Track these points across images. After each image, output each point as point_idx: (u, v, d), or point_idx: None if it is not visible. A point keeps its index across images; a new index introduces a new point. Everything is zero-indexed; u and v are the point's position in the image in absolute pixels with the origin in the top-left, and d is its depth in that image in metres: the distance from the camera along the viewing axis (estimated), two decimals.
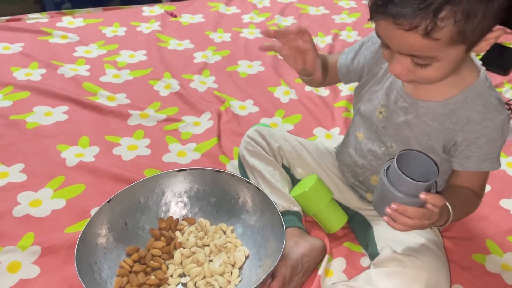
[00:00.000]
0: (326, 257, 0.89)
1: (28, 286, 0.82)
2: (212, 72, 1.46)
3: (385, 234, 0.83)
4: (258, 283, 0.73)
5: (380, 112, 0.81)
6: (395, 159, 0.66)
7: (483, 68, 0.74)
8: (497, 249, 0.94)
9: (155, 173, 0.95)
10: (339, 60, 0.88)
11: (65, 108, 1.24)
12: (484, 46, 0.64)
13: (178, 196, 0.92)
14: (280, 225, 0.81)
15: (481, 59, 1.49)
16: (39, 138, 1.14)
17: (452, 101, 0.72)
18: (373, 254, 0.82)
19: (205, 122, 1.25)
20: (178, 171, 0.91)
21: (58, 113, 1.23)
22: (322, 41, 1.67)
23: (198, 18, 1.76)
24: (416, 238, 0.79)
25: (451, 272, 0.87)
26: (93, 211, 0.97)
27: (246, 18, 1.78)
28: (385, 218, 0.67)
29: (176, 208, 0.92)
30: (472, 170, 0.74)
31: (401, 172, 0.64)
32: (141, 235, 0.87)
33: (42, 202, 0.98)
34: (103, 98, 1.29)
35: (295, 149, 0.97)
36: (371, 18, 0.63)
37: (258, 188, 0.87)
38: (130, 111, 1.24)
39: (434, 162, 0.67)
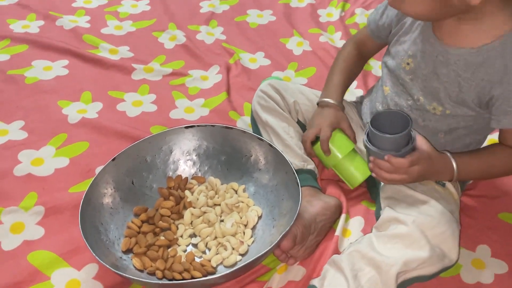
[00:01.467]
0: (343, 217, 0.84)
1: (32, 247, 0.79)
2: (219, 22, 1.37)
3: (390, 193, 0.79)
4: (273, 244, 0.69)
5: (408, 63, 0.76)
6: (369, 118, 0.72)
7: None
8: None
9: (162, 130, 0.90)
10: (368, 17, 0.86)
11: (65, 62, 1.18)
12: None
13: (187, 154, 0.88)
14: (295, 184, 0.77)
15: None
16: (39, 93, 1.09)
17: (486, 48, 0.67)
18: (377, 216, 0.79)
19: (213, 76, 1.18)
20: (186, 127, 0.86)
21: (58, 67, 1.17)
22: None
23: None
24: (421, 197, 0.74)
25: (475, 232, 0.83)
26: (98, 170, 0.93)
27: None
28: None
29: (185, 167, 0.88)
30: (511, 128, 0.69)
31: (375, 129, 0.70)
32: (149, 194, 0.84)
33: (45, 160, 0.94)
34: (105, 51, 1.22)
35: (312, 103, 0.91)
36: None
37: (271, 145, 0.82)
38: (134, 65, 1.17)
39: (408, 116, 0.70)
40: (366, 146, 0.72)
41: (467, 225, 0.83)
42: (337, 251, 0.79)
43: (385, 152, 0.69)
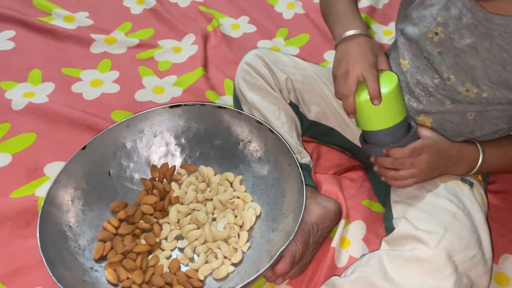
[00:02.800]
0: (342, 222, 0.71)
1: None
2: None
3: (404, 197, 0.66)
4: (271, 262, 0.57)
5: (436, 33, 0.63)
6: None
7: None
8: None
9: (125, 116, 0.76)
10: None
11: (10, 33, 1.02)
12: None
13: (174, 138, 0.77)
14: (299, 179, 0.66)
15: None
16: None
17: None
18: (388, 227, 0.66)
19: (188, 47, 1.03)
20: (171, 107, 0.75)
21: (2, 39, 1.01)
22: None
23: None
24: (444, 203, 0.61)
25: (498, 238, 0.70)
26: (48, 168, 0.79)
27: None
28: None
29: (173, 153, 0.77)
30: None
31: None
32: (129, 186, 0.73)
33: None
34: (59, 19, 1.06)
35: (308, 80, 0.77)
36: None
37: (272, 131, 0.70)
38: (93, 35, 1.02)
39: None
40: (364, 147, 0.65)
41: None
42: (333, 267, 0.67)
43: (381, 148, 0.63)
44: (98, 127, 0.83)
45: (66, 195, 0.66)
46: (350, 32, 0.63)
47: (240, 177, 0.74)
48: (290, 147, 0.68)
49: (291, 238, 0.58)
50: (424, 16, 0.64)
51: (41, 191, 0.75)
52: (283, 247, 0.57)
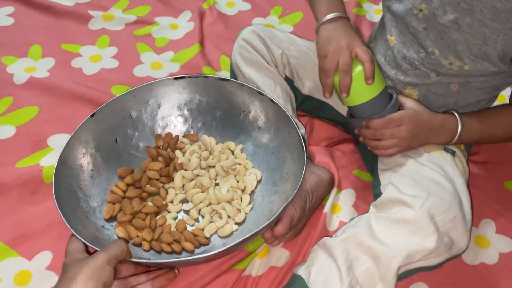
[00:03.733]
0: (334, 191, 0.75)
1: None
2: None
3: (391, 165, 0.69)
4: (273, 218, 0.60)
5: (420, 10, 0.66)
6: None
7: None
8: None
9: (124, 90, 0.78)
10: None
11: (9, 9, 1.03)
12: None
13: (177, 109, 0.78)
14: (299, 146, 0.68)
15: None
16: None
17: None
18: (376, 193, 0.70)
19: (184, 24, 1.04)
20: (175, 78, 0.76)
21: (1, 16, 1.02)
22: None
23: None
24: (428, 172, 0.65)
25: (479, 205, 0.75)
26: (50, 140, 0.81)
27: None
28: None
29: (176, 123, 0.78)
30: None
31: None
32: (134, 154, 0.75)
33: None
34: None
35: (303, 55, 0.80)
36: None
37: (272, 101, 0.73)
38: (91, 12, 1.03)
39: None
40: (350, 121, 0.69)
41: (470, 196, 0.74)
42: (325, 230, 0.71)
43: (361, 121, 0.67)
44: (98, 101, 0.85)
45: (76, 159, 0.68)
46: (335, 14, 0.66)
47: (241, 145, 0.77)
48: (290, 115, 0.71)
49: (290, 199, 0.61)
50: None
51: (45, 161, 0.78)
52: (284, 205, 0.60)
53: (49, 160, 0.78)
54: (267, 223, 0.58)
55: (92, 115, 0.70)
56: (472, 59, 0.64)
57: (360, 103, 0.65)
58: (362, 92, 0.64)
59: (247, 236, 0.57)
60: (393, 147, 0.66)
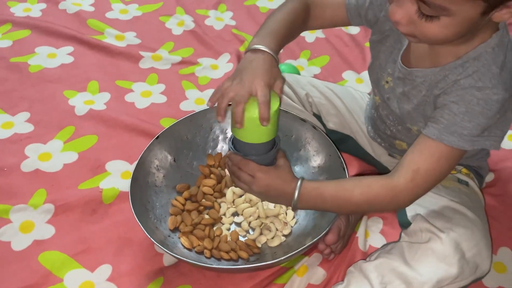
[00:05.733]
0: (364, 218, 0.82)
1: (43, 247, 0.77)
2: (228, 6, 1.32)
3: None
4: (328, 227, 0.68)
5: (387, 82, 0.70)
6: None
7: (504, 28, 0.59)
8: None
9: (172, 123, 0.87)
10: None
11: (70, 49, 1.14)
12: (505, 15, 0.52)
13: (226, 132, 0.86)
14: (340, 168, 0.76)
15: None
16: (44, 83, 1.05)
17: (449, 66, 0.61)
18: (403, 222, 0.75)
19: (224, 65, 1.14)
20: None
21: (63, 54, 1.12)
22: None
23: None
24: (451, 204, 0.70)
25: (497, 233, 0.81)
26: (108, 165, 0.90)
27: None
28: None
29: (224, 144, 0.86)
30: (432, 138, 0.60)
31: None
32: (190, 172, 0.84)
33: (52, 155, 0.91)
34: (110, 37, 1.17)
35: (324, 94, 0.88)
36: None
37: (314, 127, 0.81)
38: (142, 53, 1.13)
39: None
40: (228, 142, 0.69)
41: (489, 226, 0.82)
42: (358, 252, 0.78)
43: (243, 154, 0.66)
44: (149, 131, 0.94)
45: (144, 176, 0.77)
46: (261, 47, 0.63)
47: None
48: (330, 140, 0.78)
49: None
50: (380, 65, 0.71)
51: (104, 184, 0.86)
52: (335, 216, 0.68)
53: (107, 183, 0.86)
54: (324, 232, 0.67)
55: (156, 138, 0.79)
56: (424, 123, 0.66)
57: (241, 140, 0.64)
58: (249, 132, 0.63)
59: (305, 246, 0.65)
60: (245, 190, 0.68)
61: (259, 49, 0.63)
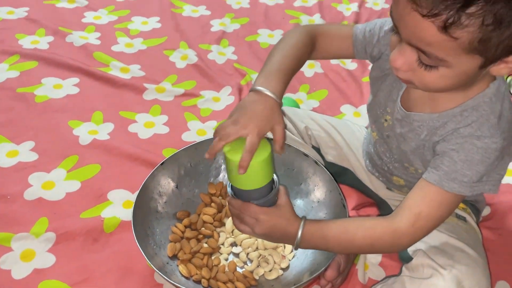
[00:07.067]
0: None
1: (43, 276, 0.77)
2: (230, 42, 1.37)
3: None
4: (329, 263, 0.69)
5: (386, 120, 0.72)
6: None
7: (500, 77, 0.61)
8: None
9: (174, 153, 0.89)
10: (355, 32, 0.74)
11: (75, 80, 1.17)
12: (503, 69, 0.54)
13: None
14: (340, 204, 0.77)
15: None
16: (50, 113, 1.07)
17: (447, 113, 0.63)
18: (403, 255, 0.76)
19: (225, 97, 1.17)
20: None
21: (69, 85, 1.15)
22: (347, 9, 1.56)
23: None
24: (451, 240, 0.71)
25: (494, 267, 0.82)
26: (110, 194, 0.91)
27: None
28: None
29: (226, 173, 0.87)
30: (432, 184, 0.61)
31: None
32: (191, 199, 0.85)
33: (56, 184, 0.92)
34: (115, 70, 1.21)
35: (323, 128, 0.90)
36: None
37: (316, 162, 0.82)
38: (146, 85, 1.16)
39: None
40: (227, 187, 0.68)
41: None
42: (358, 285, 0.79)
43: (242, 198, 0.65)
44: (152, 161, 0.95)
45: (146, 202, 0.78)
46: (265, 90, 0.61)
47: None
48: (332, 176, 0.79)
49: None
50: (379, 103, 0.73)
51: (105, 213, 0.87)
52: (334, 254, 0.70)
53: (109, 212, 0.87)
54: (322, 269, 0.68)
55: (161, 164, 0.80)
56: (421, 165, 0.69)
57: (236, 187, 0.64)
58: (240, 179, 0.62)
59: (302, 282, 0.66)
60: (248, 233, 0.67)
61: (261, 91, 0.61)
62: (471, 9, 0.46)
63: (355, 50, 0.74)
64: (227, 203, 0.80)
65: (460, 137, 0.61)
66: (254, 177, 0.61)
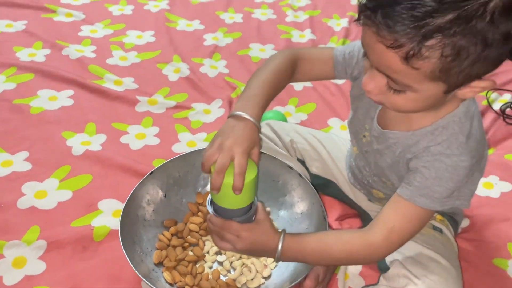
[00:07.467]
0: None
1: (33, 283, 0.80)
2: (223, 55, 1.41)
3: None
4: (307, 273, 0.72)
5: (364, 136, 0.75)
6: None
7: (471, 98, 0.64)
8: None
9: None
10: (340, 48, 0.76)
11: (70, 92, 1.20)
12: (468, 93, 0.57)
13: None
14: (322, 217, 0.79)
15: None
16: (44, 124, 1.10)
17: (420, 132, 0.65)
18: (381, 265, 0.78)
19: (216, 110, 1.20)
20: None
21: (63, 97, 1.18)
22: (337, 24, 1.60)
23: None
24: (426, 251, 0.74)
25: (470, 278, 0.85)
26: (100, 204, 0.94)
27: None
28: None
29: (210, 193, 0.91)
30: (405, 198, 0.64)
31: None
32: (179, 208, 0.87)
33: (48, 193, 0.94)
34: (109, 82, 1.24)
35: (307, 141, 0.94)
36: (358, 19, 0.54)
37: (300, 175, 0.85)
38: (138, 97, 1.20)
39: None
40: (207, 207, 0.69)
41: (463, 270, 0.84)
42: None
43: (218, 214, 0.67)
44: (142, 172, 0.97)
45: (135, 210, 0.80)
46: (243, 114, 0.63)
47: (268, 208, 0.88)
48: (314, 189, 0.82)
49: None
50: (358, 119, 0.75)
51: (96, 222, 0.89)
52: (313, 266, 0.72)
53: (99, 221, 0.90)
54: (299, 279, 0.70)
55: (150, 173, 0.83)
56: (397, 180, 0.72)
57: (221, 206, 0.65)
58: (227, 198, 0.64)
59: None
60: (228, 250, 0.68)
61: (241, 116, 0.64)
62: (431, 42, 0.49)
63: (336, 72, 0.76)
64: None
65: (431, 155, 0.64)
66: (241, 197, 0.63)
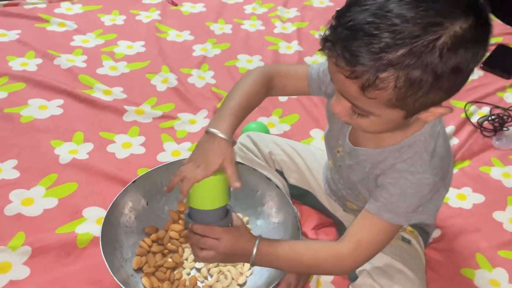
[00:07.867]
0: None
1: (18, 287, 0.83)
2: (211, 66, 1.44)
3: None
4: (276, 282, 0.75)
5: (338, 151, 0.79)
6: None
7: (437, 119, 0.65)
8: (486, 263, 0.94)
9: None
10: (315, 66, 0.79)
11: (60, 101, 1.23)
12: (429, 117, 0.60)
13: None
14: (295, 227, 0.83)
15: (484, 61, 1.46)
16: (33, 132, 1.14)
17: (388, 149, 0.69)
18: (350, 275, 0.81)
19: (201, 120, 1.24)
20: None
21: (53, 106, 1.22)
22: None
23: (200, 7, 1.73)
24: (393, 262, 0.77)
25: (437, 287, 0.88)
26: (86, 211, 0.98)
27: (248, 9, 1.75)
28: None
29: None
30: (372, 213, 0.68)
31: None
32: (160, 215, 0.90)
33: (34, 200, 0.98)
34: (99, 92, 1.28)
35: (286, 152, 0.97)
36: (321, 49, 0.57)
37: (277, 187, 0.89)
38: (126, 107, 1.23)
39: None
40: (185, 217, 0.72)
41: (431, 280, 0.88)
42: None
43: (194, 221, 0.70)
44: (127, 180, 0.99)
45: (117, 217, 0.83)
46: (216, 131, 0.67)
47: (247, 218, 0.92)
48: (290, 201, 0.86)
49: None
50: (333, 135, 0.78)
51: (80, 229, 0.93)
52: (285, 273, 0.75)
53: (83, 228, 0.93)
54: (272, 285, 0.74)
55: (133, 182, 0.86)
56: (368, 194, 0.75)
57: (197, 209, 0.68)
58: (199, 198, 0.68)
59: None
60: (211, 258, 0.69)
61: (214, 133, 0.67)
62: (385, 74, 0.52)
63: (311, 88, 0.79)
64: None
65: (396, 172, 0.67)
66: (213, 195, 0.67)
